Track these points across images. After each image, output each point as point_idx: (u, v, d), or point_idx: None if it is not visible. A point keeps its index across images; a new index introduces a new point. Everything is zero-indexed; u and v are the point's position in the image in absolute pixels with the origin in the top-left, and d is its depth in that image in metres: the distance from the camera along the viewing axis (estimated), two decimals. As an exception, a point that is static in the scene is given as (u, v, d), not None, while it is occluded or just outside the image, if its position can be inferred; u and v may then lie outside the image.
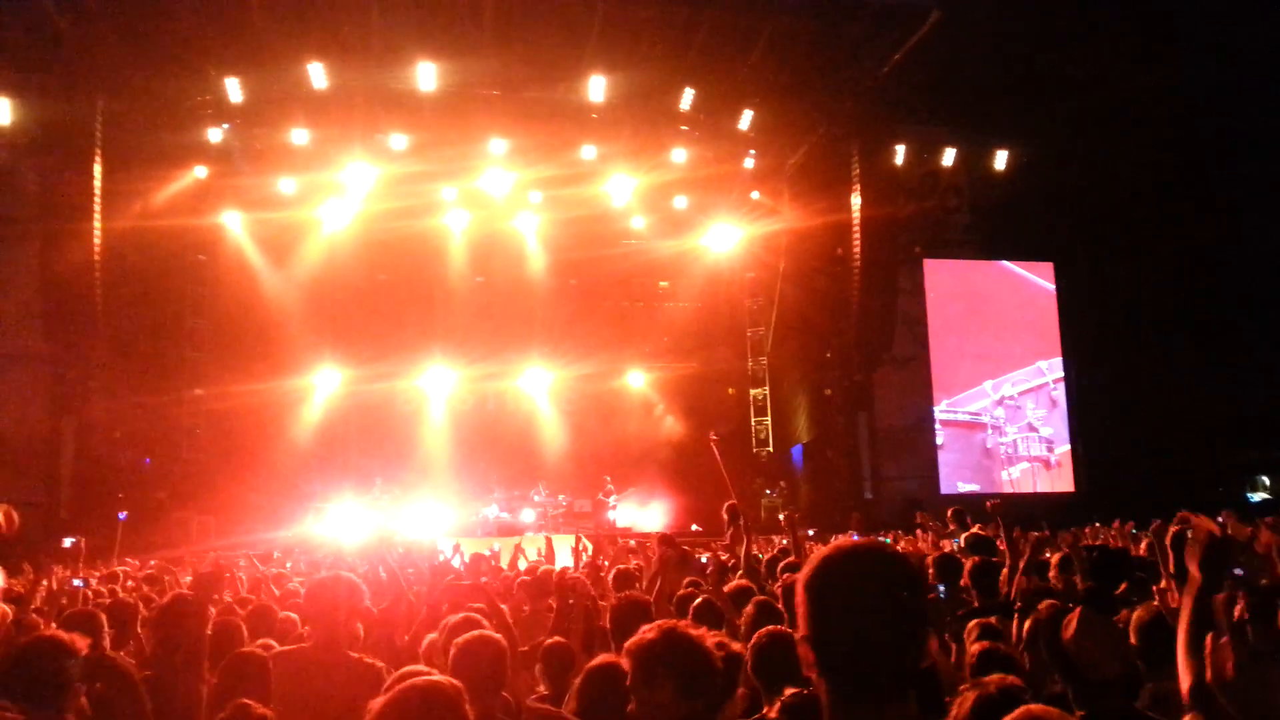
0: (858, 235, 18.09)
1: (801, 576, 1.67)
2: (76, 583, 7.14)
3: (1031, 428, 20.76)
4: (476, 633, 3.58)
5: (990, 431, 20.43)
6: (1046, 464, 20.65)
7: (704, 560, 8.24)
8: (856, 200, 18.06)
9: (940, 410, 20.28)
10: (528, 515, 18.92)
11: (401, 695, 2.19)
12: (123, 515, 17.23)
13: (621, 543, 14.08)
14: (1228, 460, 20.62)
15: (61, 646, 3.39)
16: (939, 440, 20.16)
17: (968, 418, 20.45)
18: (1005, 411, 20.63)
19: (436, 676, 2.37)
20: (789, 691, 2.90)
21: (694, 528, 17.69)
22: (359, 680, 3.64)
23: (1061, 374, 20.89)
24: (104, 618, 4.31)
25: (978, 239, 20.64)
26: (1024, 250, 20.87)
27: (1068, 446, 20.72)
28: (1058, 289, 21.12)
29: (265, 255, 19.41)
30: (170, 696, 3.84)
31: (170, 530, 17.02)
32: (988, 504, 8.67)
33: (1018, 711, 1.75)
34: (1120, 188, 19.37)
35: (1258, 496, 21.48)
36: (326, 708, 3.66)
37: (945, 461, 20.02)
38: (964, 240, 20.66)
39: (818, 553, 1.70)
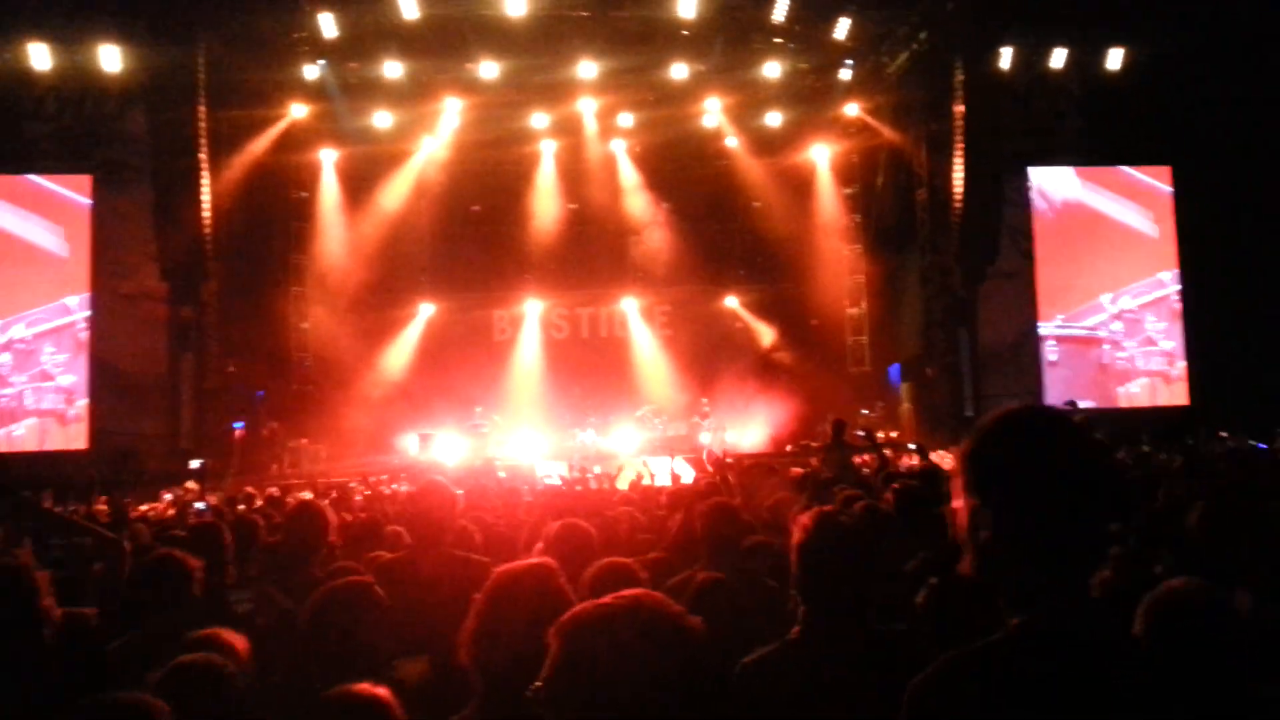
0: (961, 145, 17.40)
1: (969, 443, 1.56)
2: (200, 505, 7.51)
3: (1150, 341, 19.90)
4: (570, 520, 3.65)
5: (1107, 347, 19.66)
6: (1166, 378, 19.82)
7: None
8: (960, 108, 17.33)
9: (1054, 326, 19.57)
10: (624, 440, 19.11)
11: (502, 576, 2.24)
12: (260, 393, 18.15)
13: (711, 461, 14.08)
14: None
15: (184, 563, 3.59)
16: (1053, 357, 19.49)
17: (1083, 333, 19.71)
18: (1124, 325, 19.80)
19: (533, 559, 2.42)
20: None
21: (788, 448, 17.61)
22: (465, 574, 3.74)
23: (1180, 285, 19.89)
24: (227, 533, 4.50)
25: (1090, 144, 19.60)
26: (1139, 155, 19.74)
27: (1185, 363, 19.84)
28: (1175, 195, 19.99)
29: (363, 190, 19.74)
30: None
31: (283, 458, 17.78)
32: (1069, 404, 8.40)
33: None
34: (1243, 86, 18.09)
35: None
36: (433, 600, 3.74)
37: (1059, 379, 19.35)
38: (1075, 146, 19.66)
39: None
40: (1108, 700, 1.40)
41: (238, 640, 2.84)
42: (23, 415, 17.33)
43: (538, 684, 1.46)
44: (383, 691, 1.91)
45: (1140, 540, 3.75)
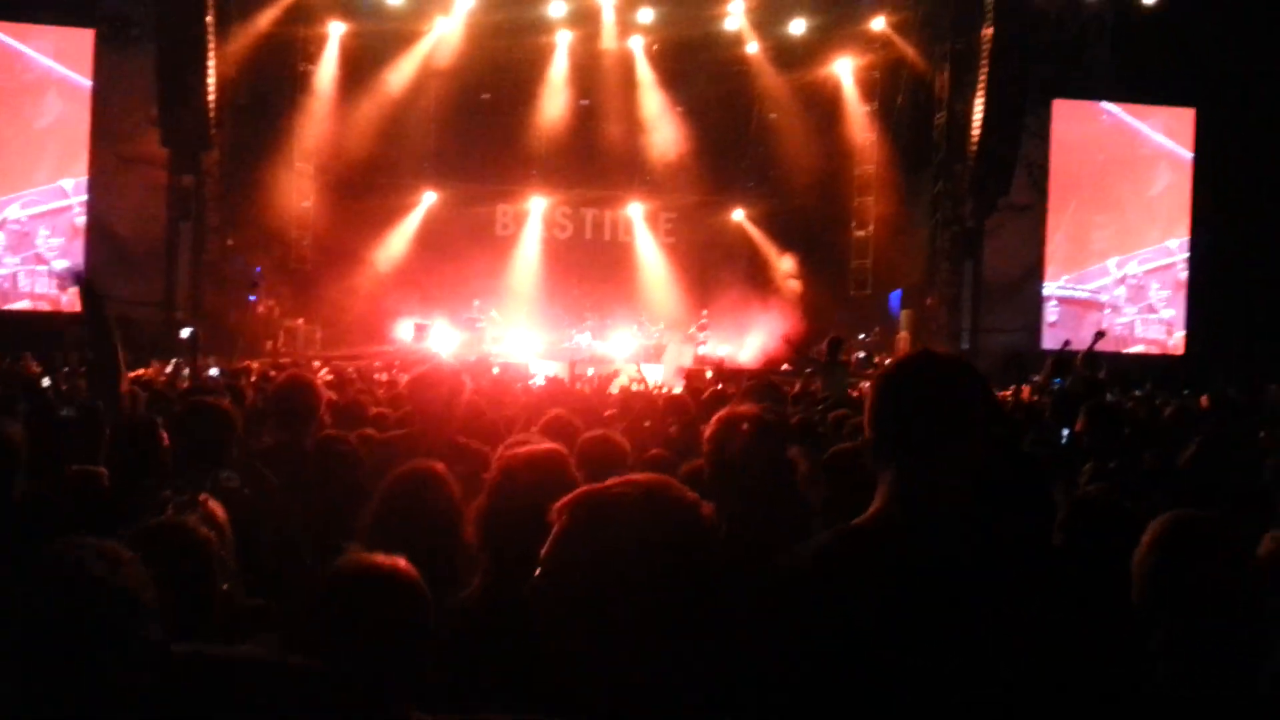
0: (985, 69, 16.99)
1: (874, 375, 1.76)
2: (213, 372, 7.53)
3: (1151, 309, 19.84)
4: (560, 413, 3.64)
5: (1108, 311, 19.58)
6: (1163, 347, 19.81)
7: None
8: (988, 30, 16.86)
9: (1058, 287, 19.48)
10: (620, 344, 19.12)
11: (515, 457, 2.22)
12: (258, 270, 18.10)
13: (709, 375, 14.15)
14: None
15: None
16: (1052, 318, 19.41)
17: (1086, 295, 19.62)
18: (1127, 290, 19.70)
19: (549, 445, 2.40)
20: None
21: (785, 366, 17.62)
22: (468, 460, 3.74)
23: (1188, 252, 19.71)
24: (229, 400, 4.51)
25: (1117, 78, 19.15)
26: (1166, 94, 19.32)
27: (1184, 332, 19.81)
28: (1196, 140, 19.65)
29: (370, 68, 19.25)
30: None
31: (278, 337, 17.75)
32: (1095, 336, 8.41)
33: None
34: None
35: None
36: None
37: (1053, 334, 19.34)
38: (1102, 79, 19.21)
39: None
40: (961, 579, 1.54)
41: (217, 508, 2.83)
42: (15, 298, 17.19)
43: (537, 570, 1.44)
44: (404, 563, 1.87)
45: (1132, 479, 3.75)
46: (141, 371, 11.19)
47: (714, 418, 2.78)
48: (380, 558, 1.87)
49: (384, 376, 11.99)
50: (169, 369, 11.77)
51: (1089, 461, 4.21)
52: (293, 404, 4.30)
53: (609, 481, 1.44)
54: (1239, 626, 1.93)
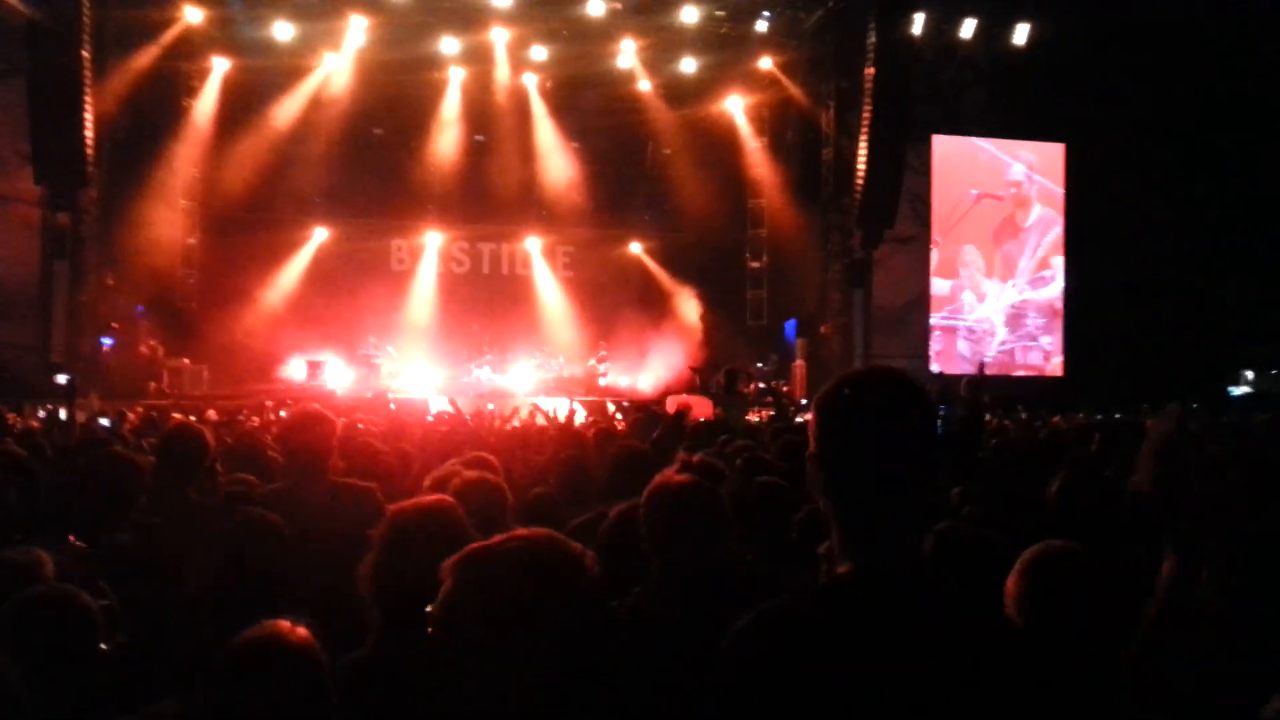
0: (868, 107, 17.64)
1: (817, 396, 1.63)
2: (103, 421, 7.22)
3: (1031, 336, 20.78)
4: (479, 472, 3.62)
5: (989, 339, 20.45)
6: (1041, 370, 20.75)
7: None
8: (870, 70, 17.53)
9: (940, 318, 20.24)
10: (519, 378, 19.05)
11: (404, 511, 2.22)
12: (140, 309, 17.41)
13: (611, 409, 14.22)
14: (1217, 354, 20.70)
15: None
16: (937, 347, 20.15)
17: (967, 324, 20.45)
18: (1005, 317, 20.60)
19: (437, 496, 2.40)
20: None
21: (683, 396, 17.80)
22: (350, 501, 3.71)
23: (1063, 280, 20.75)
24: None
25: (992, 117, 20.16)
26: (1038, 131, 20.40)
27: (1061, 357, 20.81)
28: (1066, 174, 20.76)
29: (258, 104, 18.87)
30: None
31: (162, 378, 17.15)
32: (979, 366, 8.78)
33: None
34: (1142, 72, 18.81)
35: (1239, 390, 21.68)
36: (327, 533, 3.68)
37: (940, 360, 20.07)
38: (978, 117, 20.17)
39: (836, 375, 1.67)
40: (922, 652, 1.44)
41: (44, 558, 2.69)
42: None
43: (430, 610, 1.45)
44: (304, 632, 1.85)
45: (1000, 507, 3.93)
46: (12, 418, 10.67)
47: (647, 492, 2.58)
48: (282, 625, 1.86)
49: (273, 416, 11.66)
50: (41, 414, 11.26)
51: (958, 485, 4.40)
52: (179, 456, 4.17)
53: (496, 539, 1.47)
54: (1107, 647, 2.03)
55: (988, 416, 7.65)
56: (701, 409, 7.32)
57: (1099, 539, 2.84)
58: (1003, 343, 20.53)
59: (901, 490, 1.52)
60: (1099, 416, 11.17)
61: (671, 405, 7.52)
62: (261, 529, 2.84)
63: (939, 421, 1.64)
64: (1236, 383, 21.55)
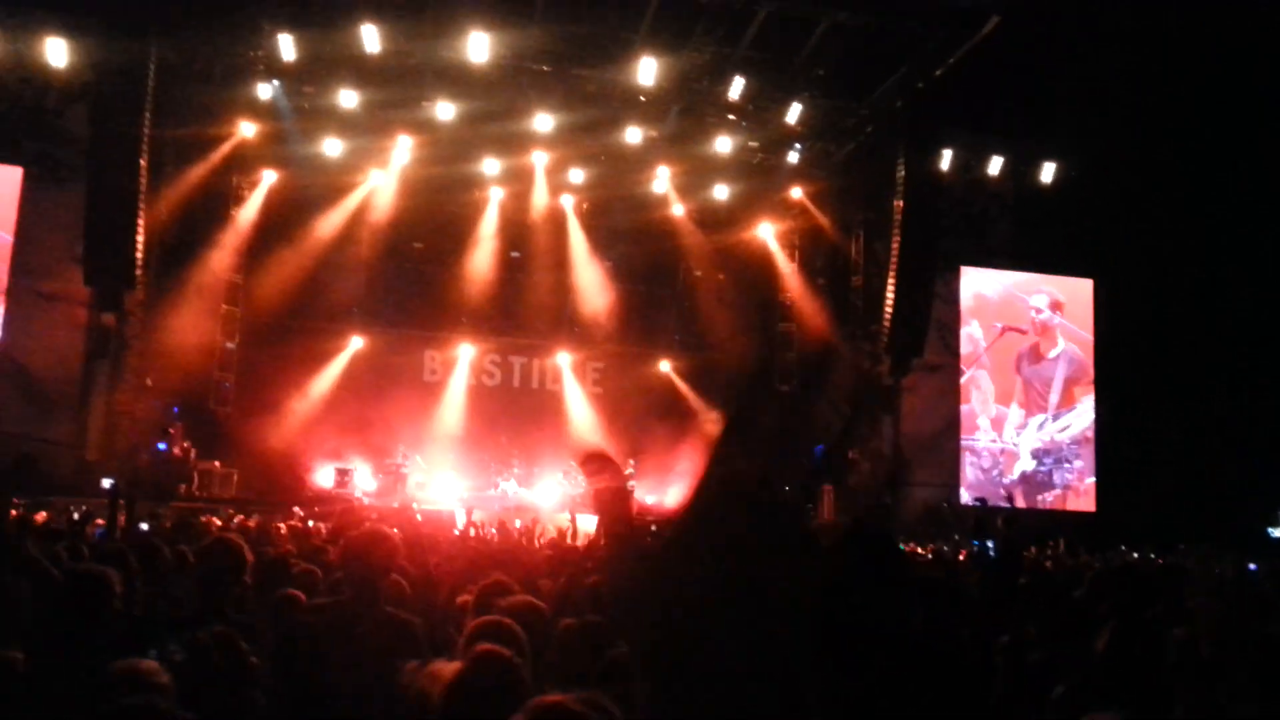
0: (897, 238, 17.97)
1: None
2: (143, 526, 7.26)
3: (1065, 460, 20.64)
4: (522, 598, 3.61)
5: (1000, 466, 20.34)
6: (1076, 491, 20.50)
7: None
8: (899, 202, 17.92)
9: (972, 439, 20.18)
10: (545, 493, 18.99)
11: (473, 664, 2.22)
12: (175, 410, 17.57)
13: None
14: (1256, 492, 20.35)
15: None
16: (969, 473, 20.03)
17: (1008, 446, 20.40)
18: (1031, 450, 20.51)
19: (500, 648, 2.40)
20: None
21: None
22: (395, 635, 3.70)
23: (1093, 403, 20.68)
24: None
25: (1019, 250, 20.44)
26: (1066, 266, 20.60)
27: (1093, 492, 20.59)
28: (1095, 306, 20.86)
29: (304, 216, 19.47)
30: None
31: (193, 480, 17.23)
32: (1009, 498, 8.65)
33: None
34: (1169, 211, 19.13)
35: (1278, 532, 21.20)
36: (361, 660, 3.69)
37: (970, 488, 19.89)
38: (1005, 251, 20.46)
39: None
40: None
41: (161, 675, 2.73)
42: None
43: None
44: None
45: (1046, 654, 3.86)
46: (42, 515, 10.72)
47: None
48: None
49: (310, 525, 11.67)
50: (76, 515, 11.30)
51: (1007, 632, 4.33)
52: (215, 573, 4.20)
53: (558, 698, 1.50)
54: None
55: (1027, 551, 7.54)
56: None
57: (1146, 694, 2.80)
58: (1025, 472, 20.31)
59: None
60: (1135, 555, 10.98)
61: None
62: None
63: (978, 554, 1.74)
64: (1275, 524, 21.10)
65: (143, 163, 16.22)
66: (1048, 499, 20.29)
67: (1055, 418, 20.63)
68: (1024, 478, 20.23)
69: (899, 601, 1.60)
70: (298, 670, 3.23)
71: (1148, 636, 3.10)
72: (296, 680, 3.52)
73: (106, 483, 11.31)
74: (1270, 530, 20.83)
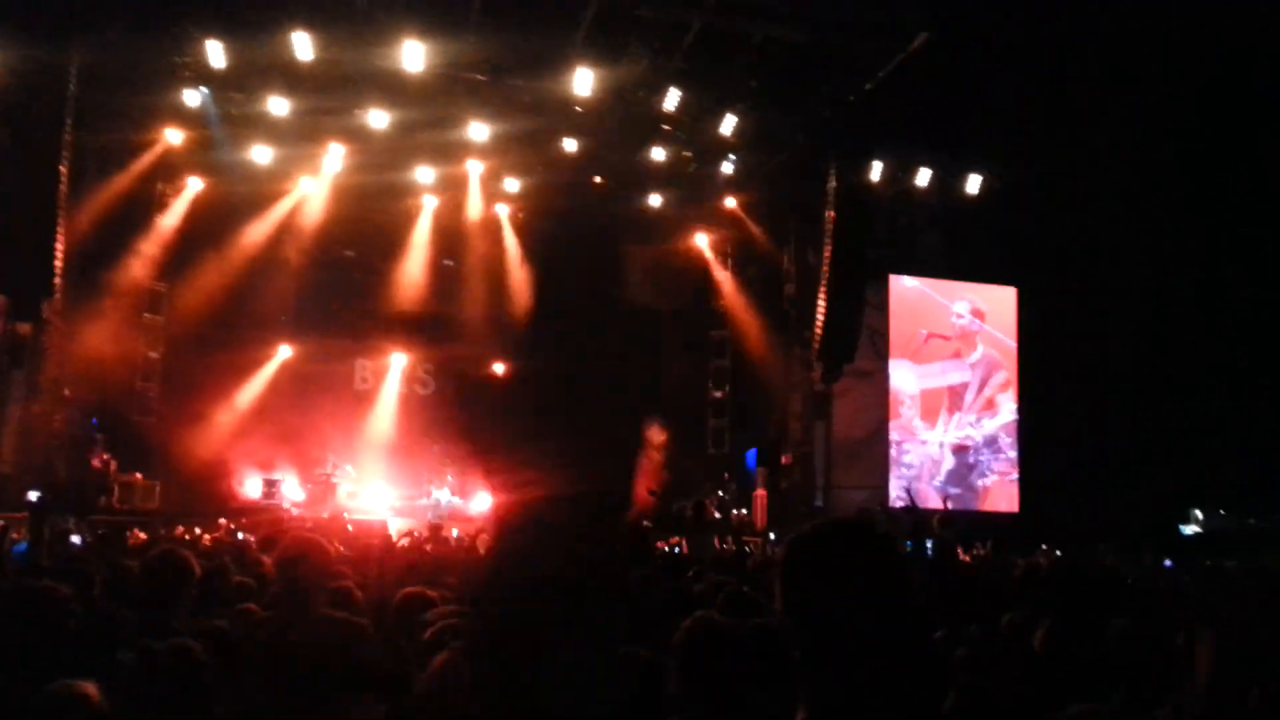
0: (829, 247, 18.31)
1: (781, 553, 1.67)
2: (75, 539, 7.08)
3: (983, 460, 21.15)
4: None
5: (926, 470, 20.81)
6: (995, 491, 21.05)
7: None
8: (830, 213, 18.27)
9: (899, 441, 20.61)
10: (480, 501, 18.88)
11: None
12: (95, 421, 17.05)
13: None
14: (1168, 492, 21.13)
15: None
16: (898, 461, 20.44)
17: (956, 439, 20.88)
18: (951, 449, 21.01)
19: None
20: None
21: (645, 523, 17.75)
22: (335, 634, 3.72)
23: (1013, 407, 21.27)
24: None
25: (945, 260, 20.98)
26: (991, 275, 21.22)
27: (1014, 477, 21.19)
28: (1019, 313, 21.48)
29: (231, 224, 19.12)
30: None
31: (113, 492, 16.78)
32: (944, 499, 8.89)
33: None
34: (1091, 222, 19.85)
35: (1189, 529, 22.06)
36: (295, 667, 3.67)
37: (902, 475, 20.31)
38: (932, 261, 20.99)
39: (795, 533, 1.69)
40: None
41: (95, 698, 2.68)
42: None
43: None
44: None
45: (981, 653, 4.02)
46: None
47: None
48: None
49: (240, 536, 11.48)
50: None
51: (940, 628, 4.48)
52: (162, 584, 4.14)
53: None
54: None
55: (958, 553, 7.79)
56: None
57: (1088, 687, 2.94)
58: (948, 470, 20.79)
59: (872, 648, 1.52)
60: (1059, 553, 11.36)
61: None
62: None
63: (911, 560, 1.75)
64: (1186, 521, 21.94)
65: (63, 170, 15.73)
66: (969, 499, 20.80)
67: (976, 421, 21.18)
68: (948, 476, 20.72)
69: (903, 601, 1.60)
70: (245, 684, 3.22)
71: (1087, 631, 3.25)
72: (244, 694, 3.51)
73: (33, 495, 10.93)
74: (1181, 528, 21.68)
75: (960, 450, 20.92)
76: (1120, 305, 20.38)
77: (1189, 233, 19.71)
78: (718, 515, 18.51)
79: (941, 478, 20.67)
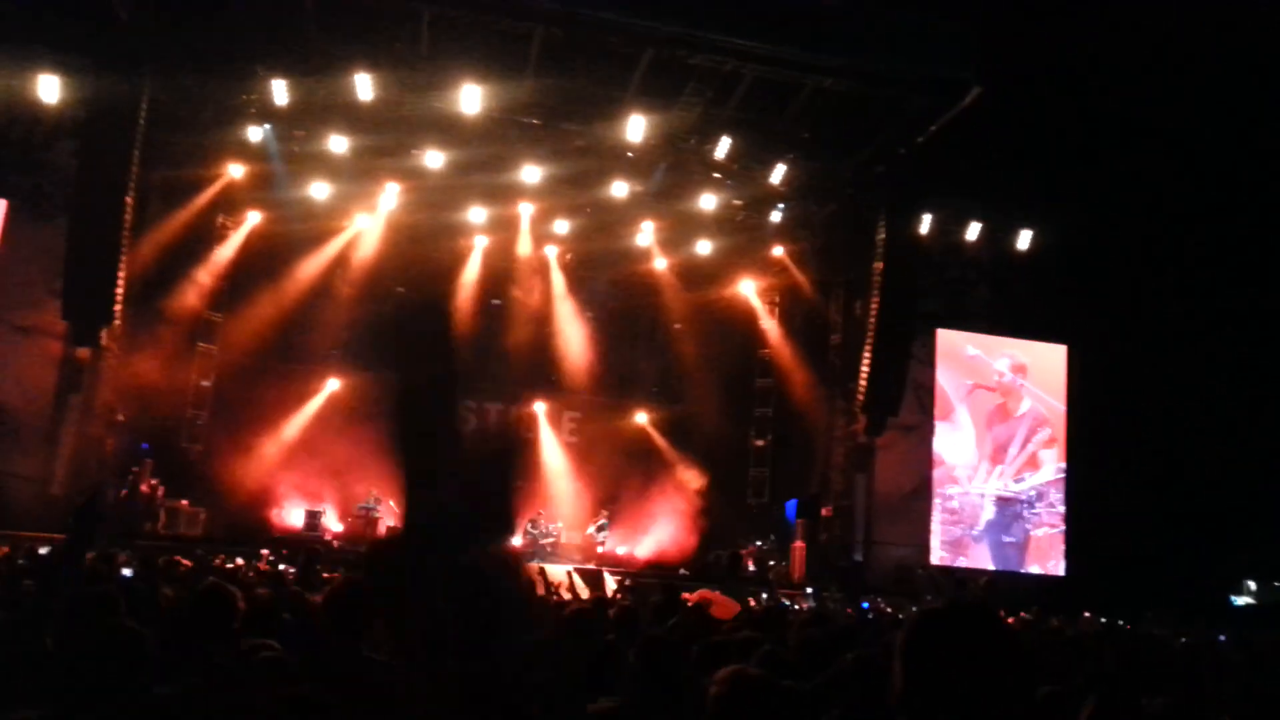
0: (876, 299, 18.21)
1: (904, 634, 1.69)
2: (126, 572, 7.17)
3: (1025, 515, 20.72)
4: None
5: (967, 520, 20.44)
6: (1037, 547, 20.59)
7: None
8: (879, 264, 18.20)
9: (943, 490, 20.29)
10: (518, 542, 18.87)
11: None
12: (145, 446, 17.35)
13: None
14: (1220, 561, 20.57)
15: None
16: (940, 512, 20.11)
17: (1011, 493, 20.52)
18: (994, 500, 20.64)
19: None
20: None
21: (681, 570, 17.65)
22: (374, 679, 3.71)
23: (1056, 463, 20.85)
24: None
25: (995, 315, 20.73)
26: (1041, 331, 20.87)
27: (1056, 531, 20.72)
28: (1069, 373, 21.07)
29: (287, 258, 19.49)
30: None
31: (159, 518, 17.01)
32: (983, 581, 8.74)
33: None
34: (1144, 279, 19.56)
35: (1241, 600, 21.42)
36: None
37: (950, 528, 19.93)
38: (981, 314, 20.75)
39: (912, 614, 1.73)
40: None
41: None
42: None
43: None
44: None
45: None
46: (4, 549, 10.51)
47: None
48: None
49: (280, 567, 11.56)
50: (43, 550, 11.12)
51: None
52: (208, 617, 4.18)
53: None
54: None
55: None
56: (726, 608, 7.26)
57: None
58: (989, 521, 20.33)
59: None
60: (1103, 620, 11.06)
61: (694, 598, 7.46)
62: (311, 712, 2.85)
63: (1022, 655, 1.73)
64: (1239, 592, 21.31)
65: (128, 201, 16.19)
66: (1013, 557, 20.29)
67: (1017, 477, 20.74)
68: (987, 526, 20.27)
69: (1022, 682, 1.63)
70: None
71: (1128, 710, 3.16)
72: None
73: (43, 550, 10.73)
74: (1233, 599, 21.03)
75: (1004, 503, 20.50)
76: (1172, 364, 19.95)
77: (1242, 292, 19.34)
78: (753, 567, 18.34)
79: (981, 527, 20.24)
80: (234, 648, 4.01)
